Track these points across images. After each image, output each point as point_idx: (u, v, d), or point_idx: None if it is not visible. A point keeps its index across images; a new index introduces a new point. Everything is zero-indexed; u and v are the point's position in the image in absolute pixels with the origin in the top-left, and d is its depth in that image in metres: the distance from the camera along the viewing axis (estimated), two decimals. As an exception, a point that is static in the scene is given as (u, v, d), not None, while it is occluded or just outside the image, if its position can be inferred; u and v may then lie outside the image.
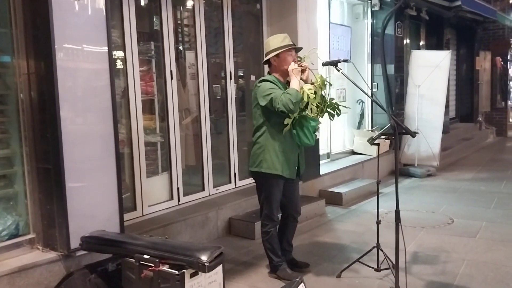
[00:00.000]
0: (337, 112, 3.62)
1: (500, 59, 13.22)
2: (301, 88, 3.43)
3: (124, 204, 3.83)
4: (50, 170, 3.34)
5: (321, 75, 3.60)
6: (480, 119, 12.92)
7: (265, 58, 3.69)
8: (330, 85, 3.59)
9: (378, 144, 3.65)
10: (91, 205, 3.47)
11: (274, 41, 3.64)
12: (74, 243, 3.32)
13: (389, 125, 3.26)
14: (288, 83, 3.64)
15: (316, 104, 3.49)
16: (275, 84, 3.56)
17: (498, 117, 13.42)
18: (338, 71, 3.44)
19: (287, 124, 3.45)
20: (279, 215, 3.85)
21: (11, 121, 3.45)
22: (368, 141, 3.54)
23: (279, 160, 3.57)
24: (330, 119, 3.65)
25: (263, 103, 3.49)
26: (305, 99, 3.41)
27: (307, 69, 3.56)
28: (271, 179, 3.63)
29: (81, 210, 3.39)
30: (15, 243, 3.38)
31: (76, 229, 3.33)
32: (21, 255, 3.36)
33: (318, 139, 3.78)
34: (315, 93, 3.44)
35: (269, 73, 3.74)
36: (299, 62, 3.56)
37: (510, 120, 13.99)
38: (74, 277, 3.14)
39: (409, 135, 3.27)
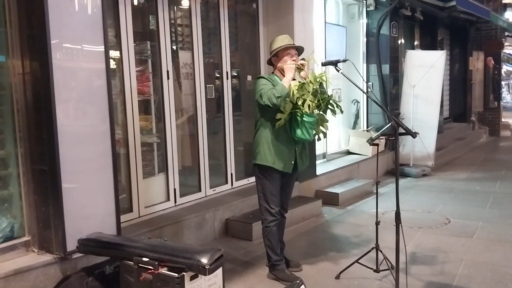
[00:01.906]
0: (340, 108, 3.67)
1: (492, 59, 13.30)
2: (290, 84, 3.50)
3: (120, 206, 3.77)
4: (45, 171, 3.28)
5: (312, 71, 3.63)
6: (473, 119, 12.99)
7: (268, 58, 3.84)
8: (324, 81, 3.57)
9: (377, 145, 3.64)
10: (87, 206, 3.43)
11: (275, 42, 3.76)
12: (70, 245, 3.27)
13: (389, 125, 3.24)
14: None
15: (314, 100, 3.49)
16: (270, 81, 3.64)
17: (491, 117, 13.52)
18: (338, 71, 3.44)
19: (280, 118, 3.51)
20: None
21: (5, 121, 3.39)
22: (367, 141, 3.52)
23: (271, 152, 3.65)
24: (332, 115, 3.71)
25: (256, 98, 3.61)
26: (291, 95, 3.48)
27: (304, 67, 3.61)
28: (265, 171, 3.70)
29: (77, 211, 3.34)
30: (10, 245, 3.32)
31: (72, 231, 3.28)
32: (16, 258, 3.30)
33: (316, 136, 3.77)
34: (302, 88, 3.47)
35: (273, 72, 3.84)
36: (299, 61, 3.59)
37: (503, 120, 14.09)
38: (71, 280, 3.10)
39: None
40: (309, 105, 3.47)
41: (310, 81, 3.51)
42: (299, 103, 3.49)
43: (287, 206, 3.98)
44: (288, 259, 3.98)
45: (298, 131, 3.57)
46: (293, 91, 3.47)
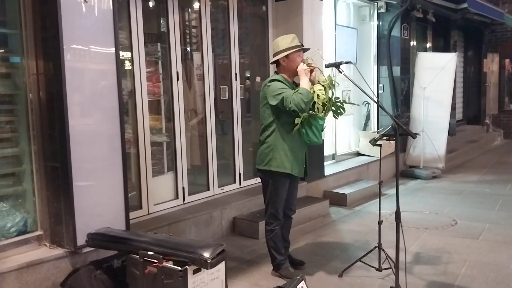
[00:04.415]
0: (341, 110, 3.66)
1: (509, 61, 13.16)
2: (311, 87, 3.49)
3: (130, 203, 3.90)
4: (57, 168, 3.41)
5: (329, 74, 3.64)
6: (488, 121, 12.87)
7: (274, 58, 3.73)
8: (338, 84, 3.64)
9: (380, 145, 3.69)
10: (98, 203, 3.54)
11: (283, 42, 3.68)
12: (81, 240, 3.39)
13: (390, 126, 3.30)
14: (294, 83, 3.71)
15: (323, 103, 3.53)
16: (286, 84, 3.61)
17: (506, 120, 13.35)
18: (341, 72, 3.49)
19: (297, 123, 3.50)
20: None
21: (20, 120, 3.54)
22: (370, 142, 3.57)
23: (288, 158, 3.63)
24: (335, 117, 3.69)
25: (273, 102, 3.54)
26: (315, 99, 3.46)
27: (315, 69, 3.61)
28: (280, 177, 3.68)
29: (87, 208, 3.46)
30: (23, 239, 3.46)
31: (82, 226, 3.40)
32: (29, 251, 3.43)
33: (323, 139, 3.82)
34: (324, 92, 3.50)
35: (276, 73, 3.78)
36: (307, 63, 3.62)
37: (518, 122, 13.92)
38: (80, 273, 3.22)
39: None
40: (318, 108, 3.51)
41: (328, 84, 3.54)
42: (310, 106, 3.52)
43: (295, 207, 4.00)
44: (292, 257, 4.05)
45: (311, 135, 3.58)
46: (318, 94, 3.45)
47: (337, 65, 3.50)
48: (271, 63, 3.91)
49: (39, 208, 3.55)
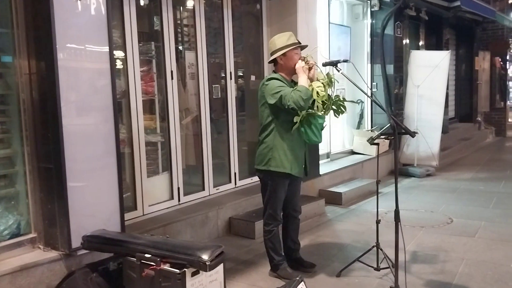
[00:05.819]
0: (341, 109, 3.62)
1: (500, 59, 13.25)
2: (310, 85, 3.45)
3: (125, 204, 3.85)
4: (51, 169, 3.35)
5: (328, 72, 3.60)
6: (479, 119, 12.95)
7: (272, 57, 3.67)
8: (338, 82, 3.62)
9: (377, 144, 3.67)
10: (92, 204, 3.49)
11: (280, 40, 3.62)
12: (75, 242, 3.33)
13: (388, 125, 3.27)
14: (293, 81, 3.67)
15: (322, 101, 3.49)
16: (284, 82, 3.56)
17: (497, 117, 13.46)
18: (338, 71, 3.46)
19: (296, 122, 3.45)
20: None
21: (12, 121, 3.47)
22: (368, 141, 3.55)
23: (288, 158, 3.58)
24: (335, 116, 3.65)
25: (272, 101, 3.48)
26: (315, 97, 3.42)
27: (313, 67, 3.56)
28: (279, 177, 3.63)
29: (82, 209, 3.41)
30: (16, 242, 3.39)
31: (77, 228, 3.34)
32: (22, 254, 3.37)
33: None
34: (324, 90, 3.46)
35: (274, 71, 3.73)
36: (305, 60, 3.57)
37: (509, 120, 14.05)
38: (75, 276, 3.16)
39: (408, 135, 3.30)
40: (317, 106, 3.47)
41: (327, 82, 3.49)
42: (309, 104, 3.47)
43: (299, 208, 3.97)
44: (303, 259, 4.00)
45: (311, 134, 3.53)
46: (317, 92, 3.41)
47: (334, 64, 3.47)
48: (269, 63, 3.84)
49: (33, 210, 3.49)
